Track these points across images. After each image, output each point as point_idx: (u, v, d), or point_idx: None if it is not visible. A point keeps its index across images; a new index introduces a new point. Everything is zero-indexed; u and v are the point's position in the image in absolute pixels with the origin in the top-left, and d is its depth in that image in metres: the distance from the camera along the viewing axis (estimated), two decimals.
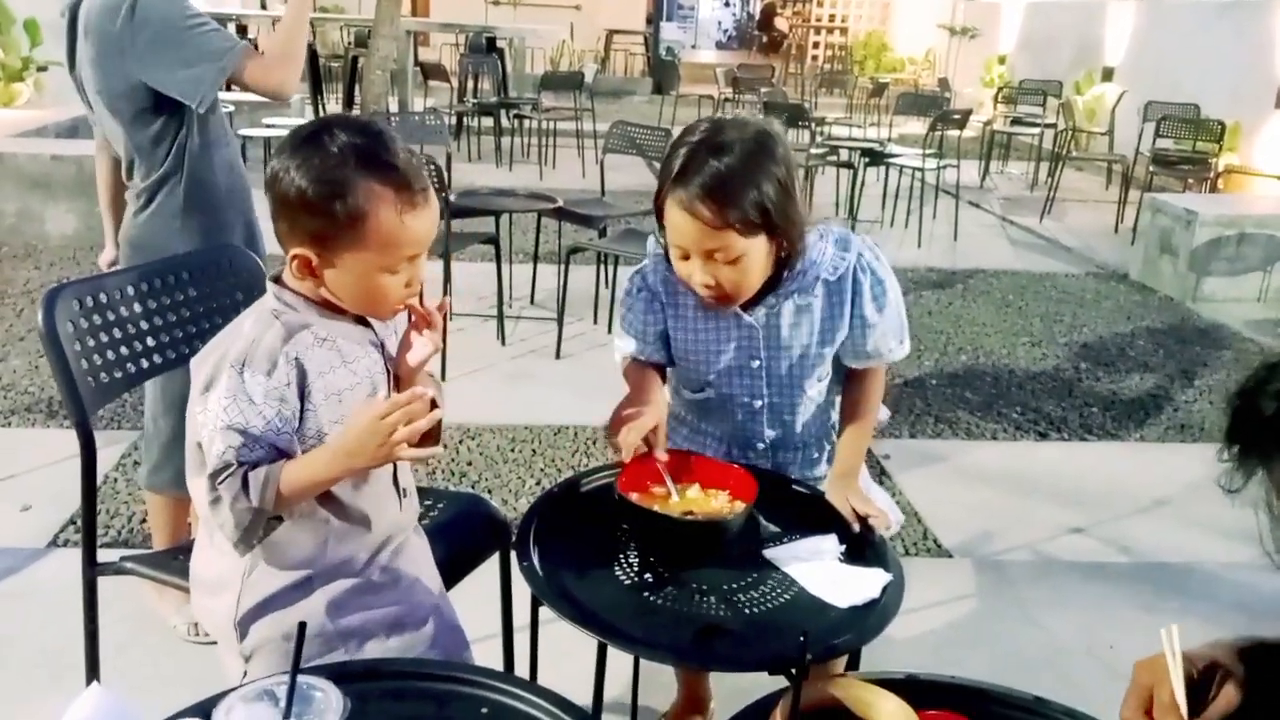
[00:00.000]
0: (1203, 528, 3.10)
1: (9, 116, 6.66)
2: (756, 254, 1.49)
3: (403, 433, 1.20)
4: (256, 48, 2.21)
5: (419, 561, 1.47)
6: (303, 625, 0.93)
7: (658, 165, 4.92)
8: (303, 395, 1.25)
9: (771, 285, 1.58)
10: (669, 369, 1.76)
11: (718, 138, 1.47)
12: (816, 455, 1.80)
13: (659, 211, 1.52)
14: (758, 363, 1.66)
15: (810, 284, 1.60)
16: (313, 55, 10.14)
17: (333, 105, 10.50)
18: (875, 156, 6.78)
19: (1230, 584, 2.79)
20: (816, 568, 1.40)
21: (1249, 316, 5.37)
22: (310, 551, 1.32)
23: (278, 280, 1.31)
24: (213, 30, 2.08)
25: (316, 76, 10.17)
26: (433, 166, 3.82)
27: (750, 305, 1.61)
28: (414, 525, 1.50)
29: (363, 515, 1.35)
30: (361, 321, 1.34)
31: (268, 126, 6.41)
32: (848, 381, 1.75)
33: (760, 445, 1.75)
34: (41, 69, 7.29)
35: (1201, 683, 1.02)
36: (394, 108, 9.06)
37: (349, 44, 10.71)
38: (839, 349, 1.68)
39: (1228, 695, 1.00)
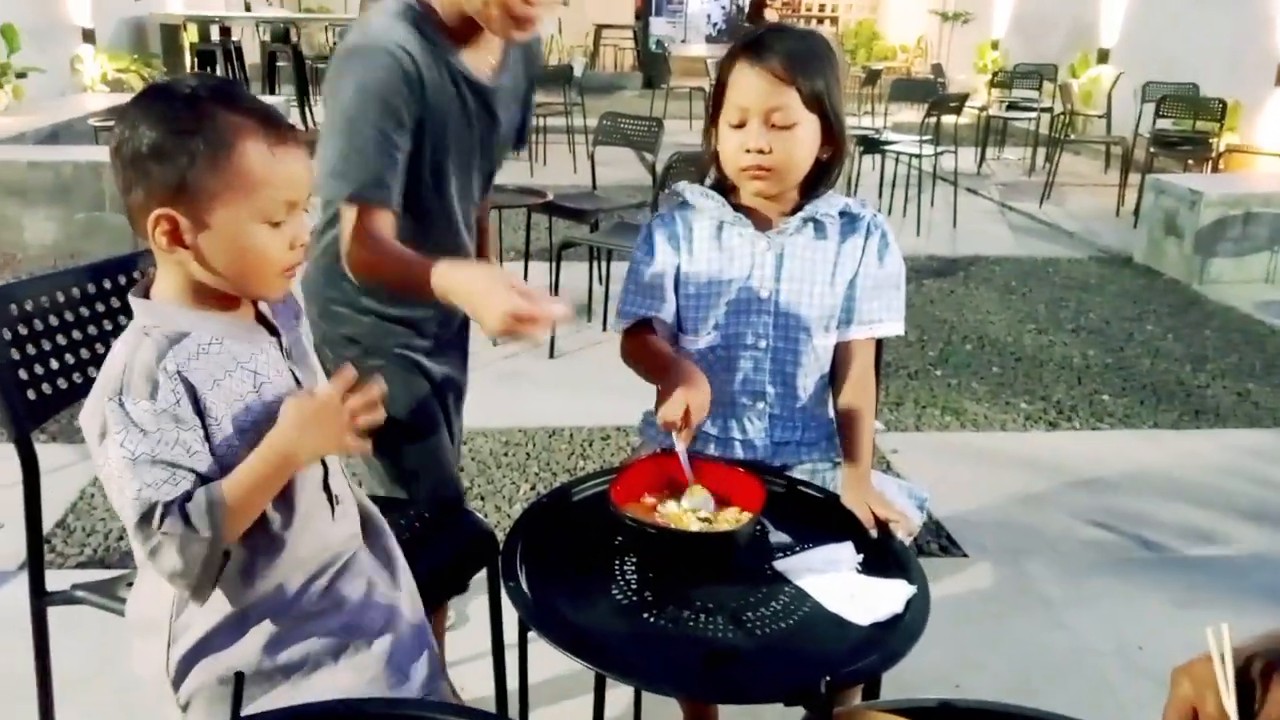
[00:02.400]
0: (1226, 516, 2.98)
1: None
2: (807, 132, 1.55)
3: (364, 419, 1.11)
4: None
5: (372, 578, 1.31)
6: (240, 675, 0.80)
7: (649, 157, 4.72)
8: (200, 413, 1.10)
9: (802, 196, 1.63)
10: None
11: (786, 26, 1.64)
12: (815, 438, 1.69)
13: (718, 94, 1.58)
14: (768, 293, 1.61)
15: (832, 209, 1.62)
16: (298, 56, 10.01)
17: (319, 106, 10.36)
18: (871, 144, 6.66)
19: (1260, 575, 2.66)
20: (833, 580, 1.27)
21: (1258, 298, 5.25)
22: (235, 584, 1.16)
23: (146, 294, 1.16)
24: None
25: (303, 79, 10.02)
26: None
27: (769, 226, 1.62)
28: (359, 542, 1.33)
29: (287, 530, 1.19)
30: (259, 321, 1.21)
31: None
32: (838, 367, 1.66)
33: (761, 406, 1.65)
34: (20, 75, 7.15)
35: (1244, 687, 0.87)
36: None
37: (335, 44, 10.57)
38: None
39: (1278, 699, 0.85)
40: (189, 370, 1.10)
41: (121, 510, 1.07)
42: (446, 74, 1.62)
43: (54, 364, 1.46)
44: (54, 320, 1.47)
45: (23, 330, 1.43)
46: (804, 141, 1.55)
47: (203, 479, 1.08)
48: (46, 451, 1.46)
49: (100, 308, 1.53)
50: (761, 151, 1.53)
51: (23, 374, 1.41)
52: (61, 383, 1.46)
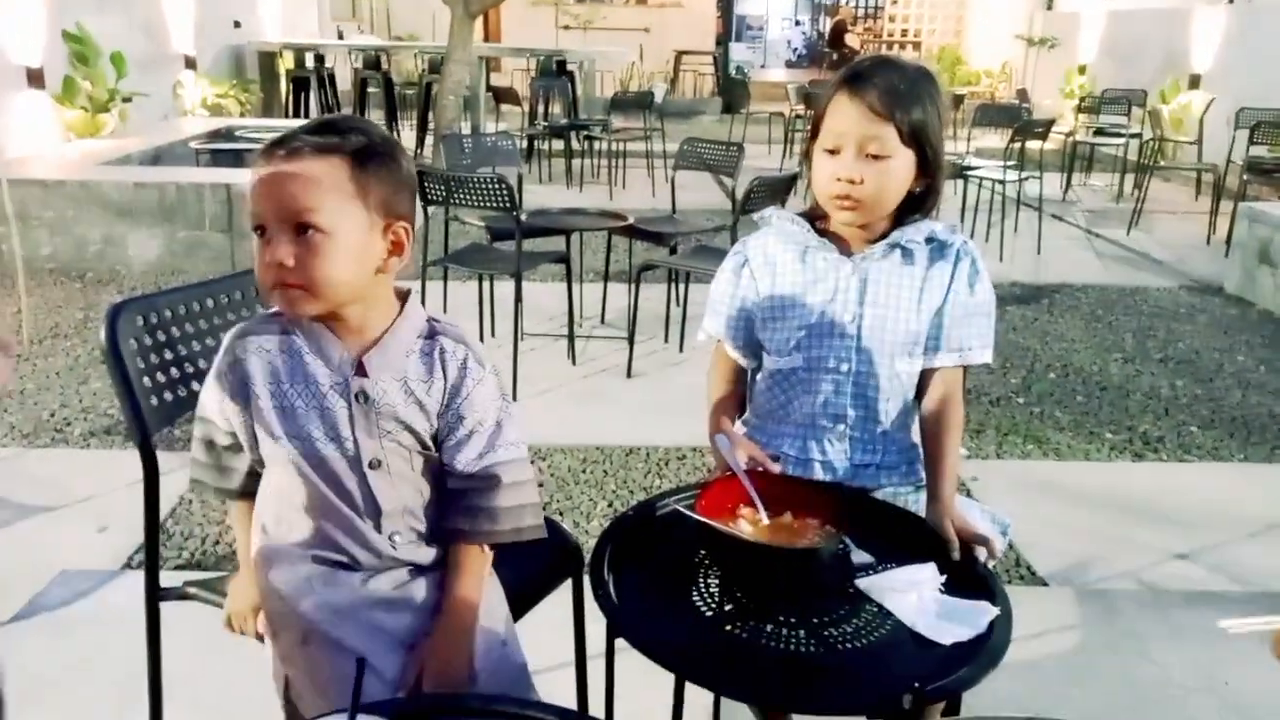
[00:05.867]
0: None
1: (95, 146, 6.83)
2: (900, 167, 1.55)
3: None
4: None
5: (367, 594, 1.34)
6: (361, 661, 0.85)
7: (728, 182, 4.77)
8: (248, 395, 1.27)
9: (892, 224, 1.63)
10: (754, 357, 1.74)
11: (891, 59, 1.61)
12: (895, 462, 1.70)
13: (817, 121, 1.60)
14: (851, 317, 1.63)
15: (918, 235, 1.62)
16: (387, 83, 10.30)
17: (407, 131, 10.64)
18: (954, 169, 6.60)
19: None
20: (915, 600, 1.29)
21: None
22: (296, 596, 1.30)
23: None
24: None
25: (391, 104, 10.31)
26: (504, 186, 3.79)
27: (855, 251, 1.63)
28: (420, 562, 1.37)
29: (340, 550, 1.30)
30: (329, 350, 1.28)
31: None
32: (925, 393, 1.67)
33: (841, 429, 1.67)
34: (126, 99, 7.48)
35: None
36: (466, 131, 9.15)
37: (423, 71, 10.85)
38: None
39: None
40: (247, 361, 1.26)
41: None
42: None
43: (174, 373, 1.55)
44: (176, 331, 1.57)
45: (147, 341, 1.52)
46: (896, 175, 1.56)
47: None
48: None
49: (218, 321, 1.63)
50: (852, 182, 1.55)
51: (147, 382, 1.51)
52: (181, 391, 1.56)
